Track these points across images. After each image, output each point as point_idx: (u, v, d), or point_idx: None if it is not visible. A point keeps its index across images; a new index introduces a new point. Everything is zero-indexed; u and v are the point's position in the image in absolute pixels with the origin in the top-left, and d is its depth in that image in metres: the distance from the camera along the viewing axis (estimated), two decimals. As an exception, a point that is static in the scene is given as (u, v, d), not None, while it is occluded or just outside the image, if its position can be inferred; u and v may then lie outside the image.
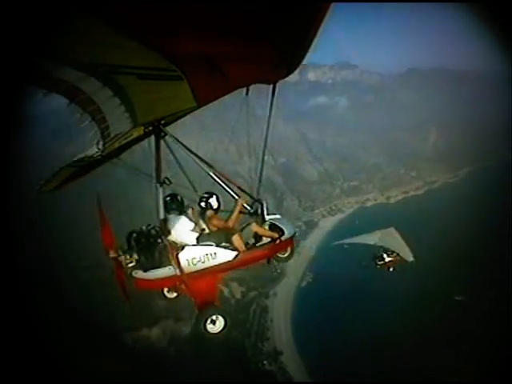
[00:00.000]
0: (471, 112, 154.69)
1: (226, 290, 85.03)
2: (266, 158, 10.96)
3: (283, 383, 74.32)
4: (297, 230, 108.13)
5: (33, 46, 4.80)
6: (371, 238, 37.19)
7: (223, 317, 10.24)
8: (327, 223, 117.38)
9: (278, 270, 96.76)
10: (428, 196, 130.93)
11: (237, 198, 10.98)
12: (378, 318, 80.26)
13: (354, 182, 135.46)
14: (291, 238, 11.64)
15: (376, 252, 36.97)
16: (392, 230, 37.89)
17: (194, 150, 11.03)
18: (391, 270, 34.75)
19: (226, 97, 8.46)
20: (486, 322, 73.63)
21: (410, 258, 30.32)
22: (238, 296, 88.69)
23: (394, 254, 32.98)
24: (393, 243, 32.86)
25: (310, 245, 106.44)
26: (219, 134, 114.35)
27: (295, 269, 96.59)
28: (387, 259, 34.36)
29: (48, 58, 5.42)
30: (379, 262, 35.68)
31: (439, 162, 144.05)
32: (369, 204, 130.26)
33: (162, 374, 65.69)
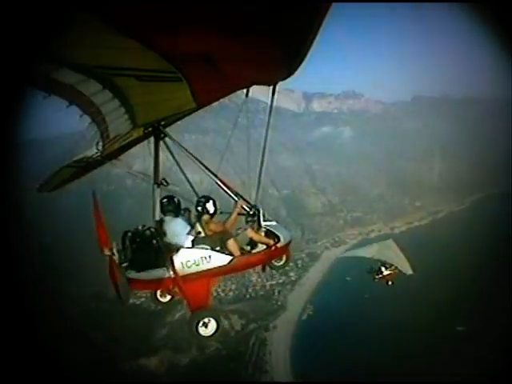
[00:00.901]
0: (477, 139, 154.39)
1: (225, 323, 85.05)
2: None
3: (283, 383, 74.12)
4: (299, 262, 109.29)
5: (32, 48, 4.79)
6: (369, 251, 37.13)
7: (215, 320, 10.16)
8: (330, 255, 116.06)
9: (279, 303, 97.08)
10: (433, 226, 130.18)
11: (236, 199, 11.03)
12: (379, 350, 79.74)
13: (357, 213, 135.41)
14: (287, 245, 11.46)
15: (374, 265, 37.08)
16: (390, 242, 37.97)
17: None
18: (390, 283, 34.70)
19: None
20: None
21: (409, 271, 30.43)
22: (238, 328, 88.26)
23: (393, 268, 32.99)
24: (391, 256, 32.91)
25: (312, 277, 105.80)
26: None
27: (296, 301, 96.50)
28: (385, 272, 34.06)
29: (47, 60, 5.40)
30: (377, 276, 35.40)
31: (444, 191, 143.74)
32: (373, 235, 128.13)
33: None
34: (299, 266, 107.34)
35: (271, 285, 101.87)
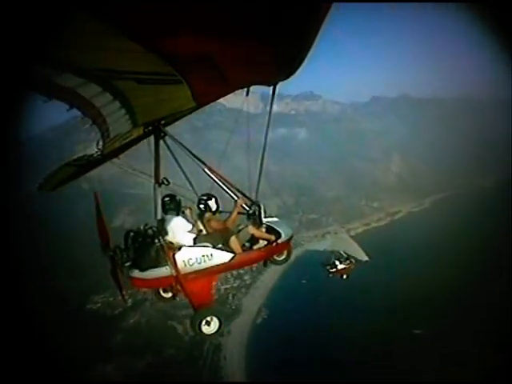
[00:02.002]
0: (436, 139, 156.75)
1: (180, 327, 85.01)
2: (264, 161, 11.58)
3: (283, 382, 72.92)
4: (254, 266, 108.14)
5: (32, 52, 4.84)
6: (322, 244, 36.89)
7: (218, 318, 10.36)
8: None
9: (233, 307, 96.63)
10: (391, 227, 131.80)
11: (236, 198, 11.27)
12: (335, 353, 79.87)
13: (312, 215, 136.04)
14: (288, 240, 11.80)
15: (328, 259, 36.41)
16: (343, 234, 37.87)
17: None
18: (344, 277, 34.06)
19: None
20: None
21: (365, 258, 30.29)
22: (192, 333, 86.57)
23: (347, 262, 32.40)
24: (345, 246, 32.54)
25: (266, 280, 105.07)
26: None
27: (251, 305, 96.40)
28: (340, 266, 33.63)
29: (48, 64, 5.47)
30: (331, 270, 34.99)
31: (403, 191, 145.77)
32: (328, 237, 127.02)
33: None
34: (254, 269, 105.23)
35: (225, 289, 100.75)
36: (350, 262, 33.84)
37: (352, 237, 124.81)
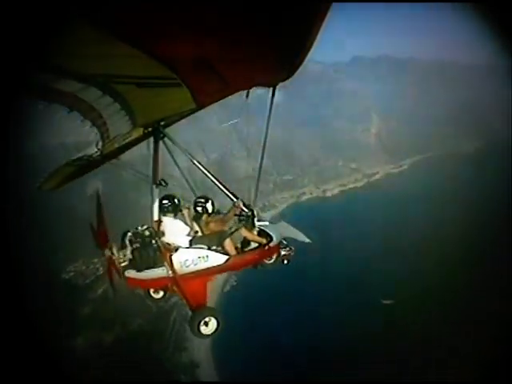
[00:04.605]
0: (416, 101, 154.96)
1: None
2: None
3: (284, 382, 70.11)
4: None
5: (31, 59, 4.88)
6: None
7: (216, 318, 10.54)
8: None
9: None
10: (368, 188, 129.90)
11: (234, 200, 11.45)
12: (304, 326, 78.33)
13: (288, 176, 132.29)
14: (278, 244, 12.17)
15: None
16: (282, 223, 33.55)
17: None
18: (285, 262, 29.81)
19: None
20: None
21: (306, 240, 25.69)
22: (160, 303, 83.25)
23: (287, 249, 27.98)
24: (285, 232, 28.12)
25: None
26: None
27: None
28: (282, 253, 29.63)
29: (47, 70, 5.50)
30: None
31: (381, 153, 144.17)
32: (304, 198, 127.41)
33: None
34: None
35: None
36: (290, 248, 29.63)
37: (328, 198, 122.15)
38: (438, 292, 78.40)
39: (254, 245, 11.59)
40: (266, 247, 11.59)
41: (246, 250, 11.54)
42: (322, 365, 68.82)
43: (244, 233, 11.34)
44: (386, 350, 69.06)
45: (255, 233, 11.67)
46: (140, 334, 76.87)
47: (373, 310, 78.86)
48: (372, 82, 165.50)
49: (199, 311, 10.47)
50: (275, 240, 11.81)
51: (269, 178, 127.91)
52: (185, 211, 11.53)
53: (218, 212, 11.73)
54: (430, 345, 68.35)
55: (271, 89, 8.60)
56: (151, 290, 12.09)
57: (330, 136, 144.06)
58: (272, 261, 12.62)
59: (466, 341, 66.23)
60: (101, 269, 75.41)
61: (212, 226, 11.26)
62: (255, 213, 11.58)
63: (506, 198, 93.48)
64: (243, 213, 11.51)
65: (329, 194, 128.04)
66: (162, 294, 12.13)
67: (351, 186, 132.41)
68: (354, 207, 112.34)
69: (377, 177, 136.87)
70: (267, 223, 12.11)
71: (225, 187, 11.40)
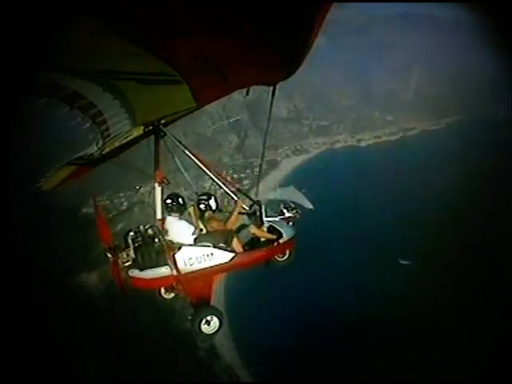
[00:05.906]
0: (461, 61, 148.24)
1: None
2: (264, 152, 11.98)
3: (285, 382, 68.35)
4: (256, 169, 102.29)
5: (33, 55, 4.77)
6: (272, 194, 31.94)
7: (218, 318, 10.40)
8: (289, 164, 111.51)
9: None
10: (402, 143, 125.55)
11: (236, 198, 11.43)
12: (318, 302, 74.88)
13: (323, 122, 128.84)
14: (290, 240, 11.88)
15: (277, 207, 32.51)
16: (291, 187, 32.85)
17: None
18: (291, 224, 28.79)
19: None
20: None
21: (310, 206, 24.38)
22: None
23: (294, 211, 27.07)
24: (292, 196, 27.29)
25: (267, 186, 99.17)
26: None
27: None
28: (287, 214, 28.84)
29: (49, 66, 5.43)
30: (279, 217, 30.31)
31: (419, 108, 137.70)
32: (338, 146, 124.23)
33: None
34: (256, 173, 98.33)
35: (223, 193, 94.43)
36: (296, 211, 28.70)
37: (362, 147, 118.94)
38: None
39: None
40: (275, 244, 11.41)
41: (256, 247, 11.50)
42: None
43: (253, 230, 11.26)
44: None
45: (265, 229, 11.53)
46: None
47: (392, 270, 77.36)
48: (418, 37, 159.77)
49: (200, 309, 10.44)
50: (285, 236, 11.64)
51: (304, 121, 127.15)
52: (191, 208, 11.32)
53: (220, 210, 11.45)
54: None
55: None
56: (162, 291, 12.04)
57: (368, 85, 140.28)
58: (285, 258, 12.35)
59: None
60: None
61: (215, 223, 11.01)
62: (263, 209, 11.53)
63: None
64: (247, 210, 11.50)
65: (363, 144, 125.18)
66: (173, 294, 12.02)
67: (385, 138, 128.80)
68: (387, 160, 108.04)
69: (413, 132, 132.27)
70: (277, 219, 11.97)
71: (226, 186, 11.42)
